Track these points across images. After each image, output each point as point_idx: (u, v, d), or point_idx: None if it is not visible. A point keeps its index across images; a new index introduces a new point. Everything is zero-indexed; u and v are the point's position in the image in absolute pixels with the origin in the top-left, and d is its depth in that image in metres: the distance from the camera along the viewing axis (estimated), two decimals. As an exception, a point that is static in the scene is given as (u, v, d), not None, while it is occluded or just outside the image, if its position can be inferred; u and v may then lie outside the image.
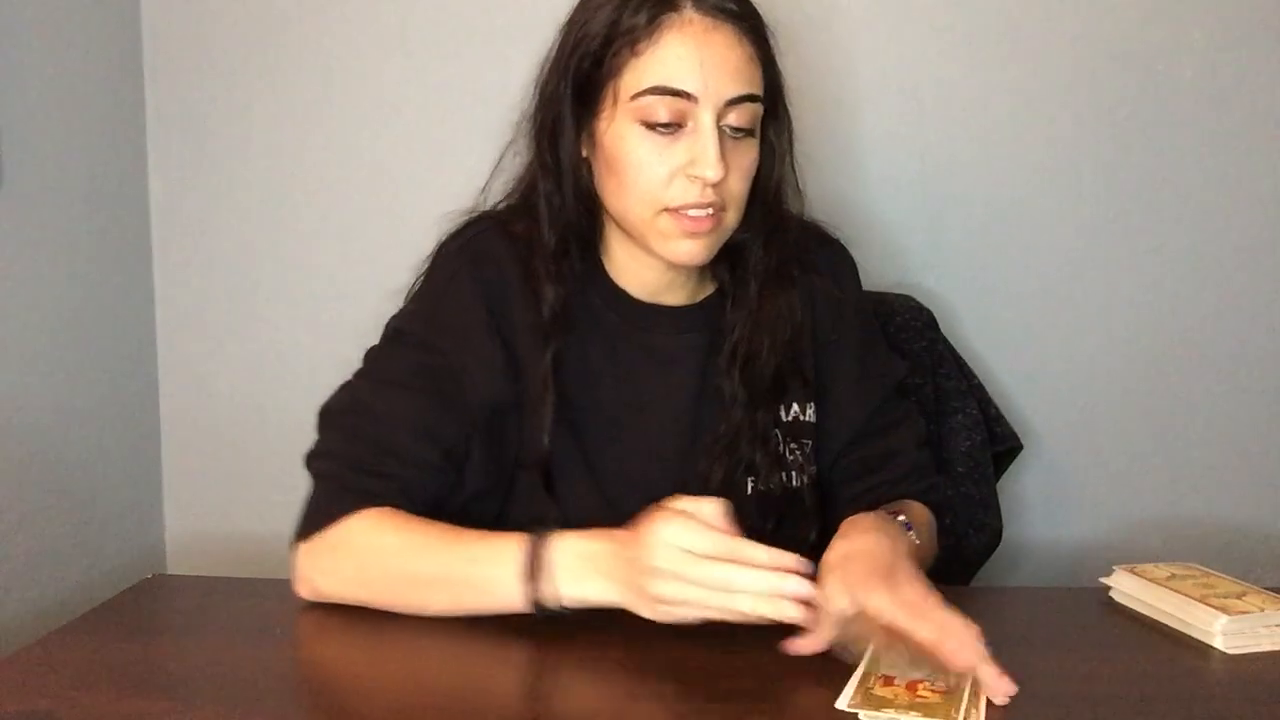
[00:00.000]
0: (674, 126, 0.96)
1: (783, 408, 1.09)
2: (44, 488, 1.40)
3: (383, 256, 1.59)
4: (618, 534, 0.86)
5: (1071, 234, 1.53)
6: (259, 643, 0.89)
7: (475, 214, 1.09)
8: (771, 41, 1.02)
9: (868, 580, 0.83)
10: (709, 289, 1.10)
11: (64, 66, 1.43)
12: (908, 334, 1.34)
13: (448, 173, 1.58)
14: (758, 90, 0.99)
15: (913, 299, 1.38)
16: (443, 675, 0.85)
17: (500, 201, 1.09)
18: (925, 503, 1.11)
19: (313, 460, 1.01)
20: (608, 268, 1.07)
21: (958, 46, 1.51)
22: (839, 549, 0.88)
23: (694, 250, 0.99)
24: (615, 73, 0.97)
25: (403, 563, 0.93)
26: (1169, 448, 1.55)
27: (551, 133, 1.03)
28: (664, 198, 0.97)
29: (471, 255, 1.04)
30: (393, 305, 1.56)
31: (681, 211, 0.97)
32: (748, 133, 0.99)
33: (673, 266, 1.04)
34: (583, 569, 0.87)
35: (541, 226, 1.03)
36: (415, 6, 1.55)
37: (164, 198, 1.61)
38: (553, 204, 1.03)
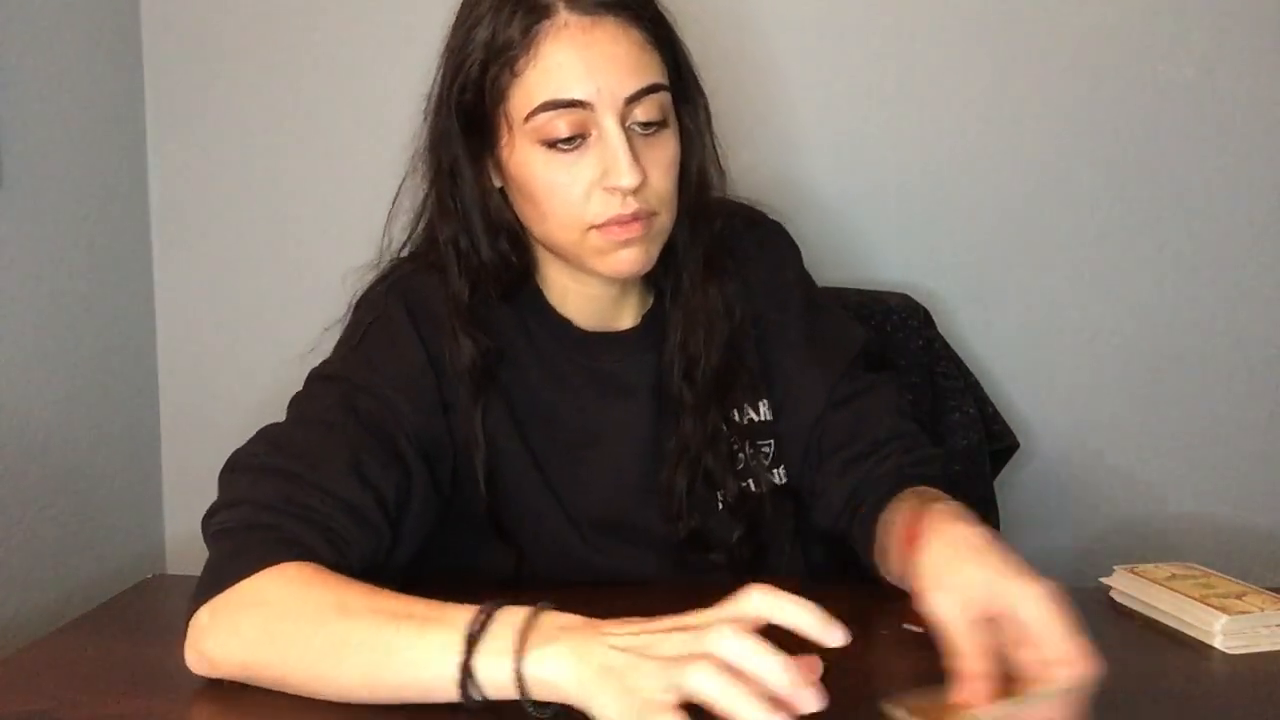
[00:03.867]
0: (577, 139, 0.89)
1: (736, 410, 1.03)
2: (44, 488, 1.40)
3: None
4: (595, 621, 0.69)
5: (1070, 233, 1.53)
6: (259, 643, 0.89)
7: (388, 262, 1.03)
8: (667, 16, 0.94)
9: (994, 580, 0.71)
10: (650, 301, 1.05)
11: (64, 66, 1.43)
12: (904, 332, 1.34)
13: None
14: (659, 78, 0.91)
15: (909, 297, 1.38)
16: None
17: (405, 245, 1.04)
18: (933, 483, 0.97)
19: (212, 515, 0.84)
20: (548, 296, 1.01)
21: (957, 45, 1.51)
22: (937, 559, 0.74)
23: (634, 257, 0.92)
24: (501, 98, 0.90)
25: (318, 623, 0.74)
26: (1169, 447, 1.55)
27: (450, 174, 0.96)
28: (586, 216, 0.90)
29: (401, 294, 0.96)
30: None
31: (607, 226, 0.90)
32: (659, 125, 0.91)
33: (615, 281, 0.98)
34: (548, 641, 0.67)
35: (450, 274, 0.96)
36: (416, 6, 1.55)
37: (164, 198, 1.61)
38: (459, 248, 0.96)
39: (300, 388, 0.97)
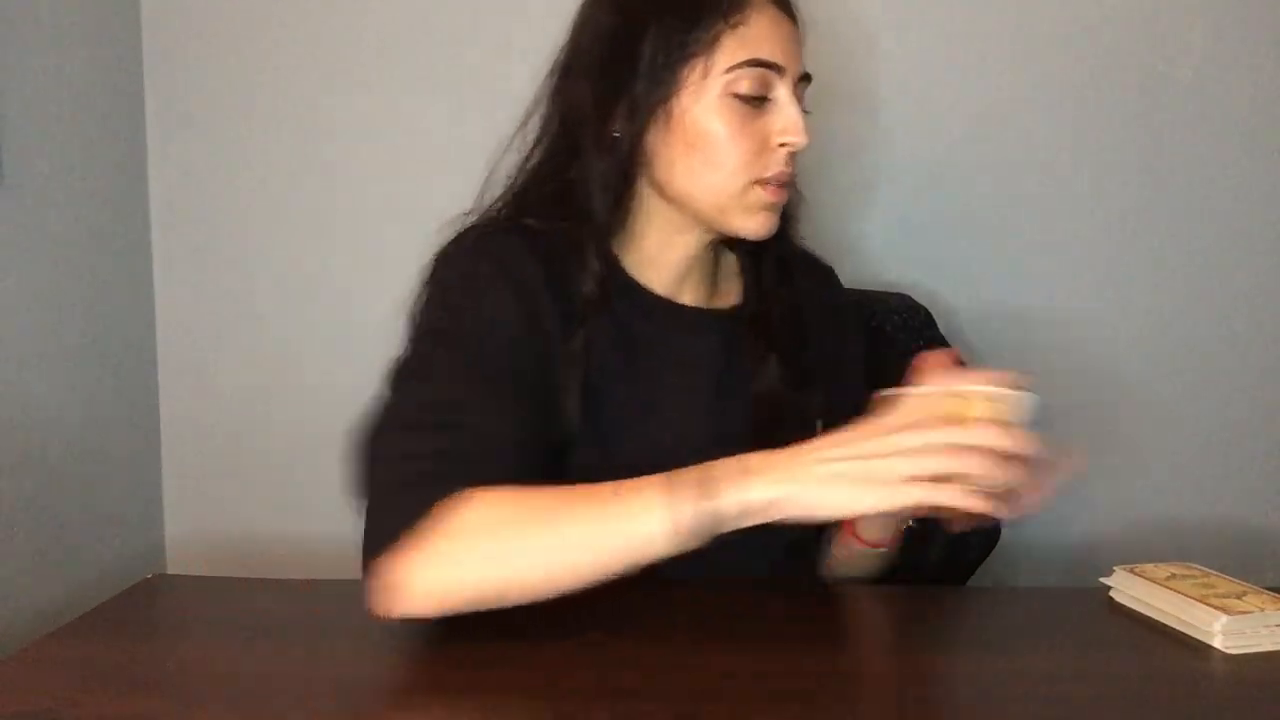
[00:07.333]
0: (761, 99, 0.99)
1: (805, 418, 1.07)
2: (44, 488, 1.40)
3: (382, 255, 1.60)
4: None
5: (1070, 233, 1.53)
6: (259, 643, 0.89)
7: (473, 217, 1.06)
8: None
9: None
10: (726, 296, 1.10)
11: (64, 66, 1.43)
12: (906, 333, 1.33)
13: (447, 172, 1.58)
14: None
15: (910, 297, 1.38)
16: (441, 672, 0.84)
17: (498, 203, 1.07)
18: None
19: (374, 472, 0.89)
20: (624, 261, 1.05)
21: (958, 46, 1.51)
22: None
23: (772, 222, 1.02)
24: (708, 48, 0.98)
25: (536, 531, 0.83)
26: (1169, 448, 1.55)
27: (629, 108, 1.00)
28: (755, 169, 0.99)
29: (486, 250, 1.00)
30: (392, 304, 1.56)
31: (769, 183, 0.99)
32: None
33: (698, 241, 1.05)
34: (736, 476, 0.80)
35: (593, 203, 1.01)
36: (416, 6, 1.55)
37: (164, 198, 1.61)
38: (608, 182, 1.01)
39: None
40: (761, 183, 1.00)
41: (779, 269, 1.10)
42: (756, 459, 0.81)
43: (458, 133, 1.56)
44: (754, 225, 1.01)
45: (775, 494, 0.79)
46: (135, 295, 1.59)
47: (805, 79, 1.02)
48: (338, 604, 0.95)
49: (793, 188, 1.04)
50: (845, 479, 0.78)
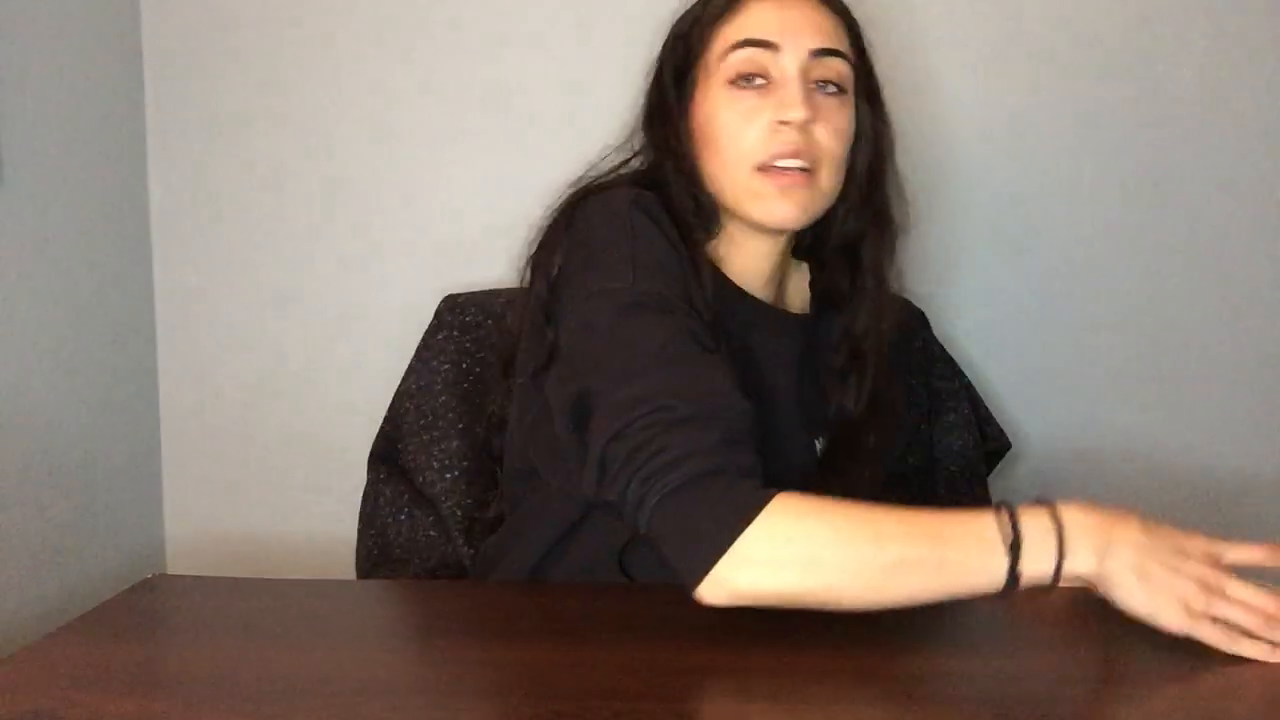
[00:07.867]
0: (759, 79, 0.99)
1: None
2: (44, 488, 1.40)
3: (383, 256, 1.60)
4: (1106, 511, 0.83)
5: (1067, 234, 1.53)
6: (259, 643, 0.89)
7: (598, 179, 1.06)
8: (862, 34, 1.05)
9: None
10: (794, 306, 1.11)
11: (64, 66, 1.43)
12: (901, 335, 1.34)
13: (448, 174, 1.58)
14: (843, 49, 1.01)
15: (906, 300, 1.38)
16: (441, 672, 0.85)
17: (609, 174, 1.07)
18: None
19: (647, 479, 0.84)
20: (715, 259, 1.05)
21: (956, 46, 1.51)
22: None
23: (789, 210, 0.99)
24: (704, 48, 1.02)
25: (866, 550, 0.81)
26: (1163, 448, 1.55)
27: (662, 119, 1.05)
28: (754, 152, 0.98)
29: (652, 213, 0.98)
30: (390, 305, 1.57)
31: (771, 166, 0.98)
32: (839, 89, 1.01)
33: (773, 245, 1.05)
34: (1066, 537, 0.81)
35: (683, 205, 1.02)
36: (417, 7, 1.55)
37: (164, 198, 1.61)
38: (682, 187, 1.03)
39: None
40: (763, 169, 0.98)
41: (853, 279, 1.09)
42: (1068, 515, 0.82)
43: (459, 136, 1.57)
44: (768, 213, 0.99)
45: (1093, 568, 0.81)
46: (135, 295, 1.59)
47: (831, 54, 0.99)
48: (338, 604, 0.95)
49: (823, 172, 1.00)
50: (1155, 584, 0.80)
